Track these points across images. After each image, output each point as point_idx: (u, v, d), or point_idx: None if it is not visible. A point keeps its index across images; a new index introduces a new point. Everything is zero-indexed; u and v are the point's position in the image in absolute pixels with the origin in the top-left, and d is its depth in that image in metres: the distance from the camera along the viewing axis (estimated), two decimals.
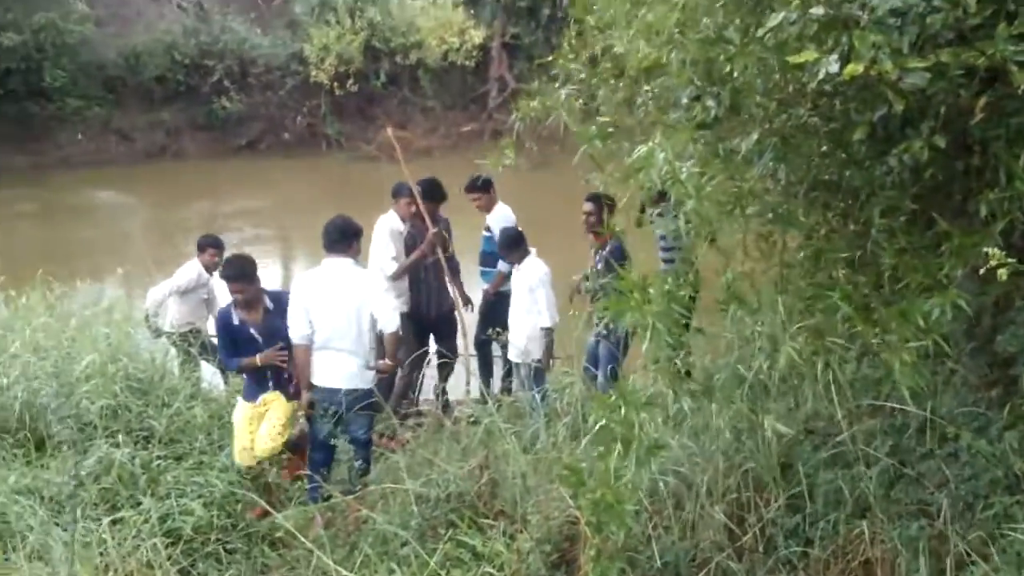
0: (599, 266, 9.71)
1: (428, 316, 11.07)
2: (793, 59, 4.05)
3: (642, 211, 10.01)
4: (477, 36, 33.50)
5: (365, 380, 8.61)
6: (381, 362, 8.73)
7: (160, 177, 29.18)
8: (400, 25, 33.06)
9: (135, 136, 31.99)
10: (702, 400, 6.43)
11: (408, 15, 33.19)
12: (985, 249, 4.06)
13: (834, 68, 3.92)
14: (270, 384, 8.82)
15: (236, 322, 8.77)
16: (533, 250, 10.20)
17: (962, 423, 5.70)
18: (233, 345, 8.87)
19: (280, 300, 8.81)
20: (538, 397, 9.17)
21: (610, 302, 5.08)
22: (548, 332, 9.96)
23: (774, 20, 4.17)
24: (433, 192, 11.00)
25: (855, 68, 3.76)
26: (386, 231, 10.79)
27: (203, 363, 10.80)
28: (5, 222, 23.72)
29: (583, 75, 6.38)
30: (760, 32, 4.38)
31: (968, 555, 5.37)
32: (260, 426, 8.68)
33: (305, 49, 32.45)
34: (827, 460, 6.41)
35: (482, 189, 11.22)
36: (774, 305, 5.91)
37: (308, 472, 8.53)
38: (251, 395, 8.88)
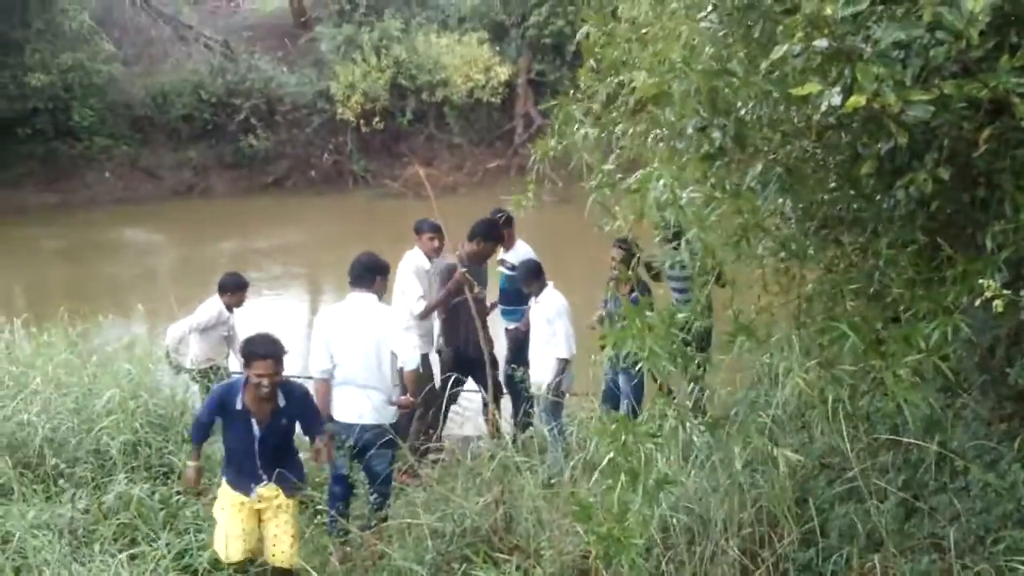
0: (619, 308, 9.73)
1: (468, 355, 10.90)
2: (796, 91, 4.05)
3: (649, 269, 10.06)
4: (503, 73, 33.57)
5: (386, 415, 8.65)
6: (402, 398, 8.76)
7: (187, 215, 29.33)
8: (426, 62, 33.15)
9: (162, 174, 32.17)
10: (716, 434, 6.44)
11: (434, 52, 33.25)
12: (981, 280, 4.05)
13: (837, 100, 3.93)
14: (263, 476, 7.64)
15: (238, 407, 7.53)
16: (551, 283, 10.20)
17: (973, 457, 5.67)
18: (223, 423, 7.76)
19: (292, 393, 7.74)
20: (556, 431, 9.18)
21: (612, 331, 5.08)
22: (563, 363, 9.94)
23: (777, 53, 4.18)
24: (489, 232, 10.93)
25: (858, 100, 3.76)
26: (411, 269, 10.77)
27: None
28: (31, 260, 23.91)
29: (595, 107, 6.41)
30: (764, 65, 4.39)
31: None
32: (264, 527, 7.71)
33: (331, 87, 32.60)
34: (842, 494, 6.38)
35: (505, 225, 11.18)
36: (791, 339, 5.93)
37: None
38: (240, 485, 7.66)
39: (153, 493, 8.27)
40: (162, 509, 8.19)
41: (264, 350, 7.44)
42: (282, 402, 7.59)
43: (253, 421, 7.51)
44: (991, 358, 5.62)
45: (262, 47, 35.48)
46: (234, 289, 11.22)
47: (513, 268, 11.04)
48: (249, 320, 11.50)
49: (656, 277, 10.58)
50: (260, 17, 39.41)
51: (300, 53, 35.84)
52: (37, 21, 30.48)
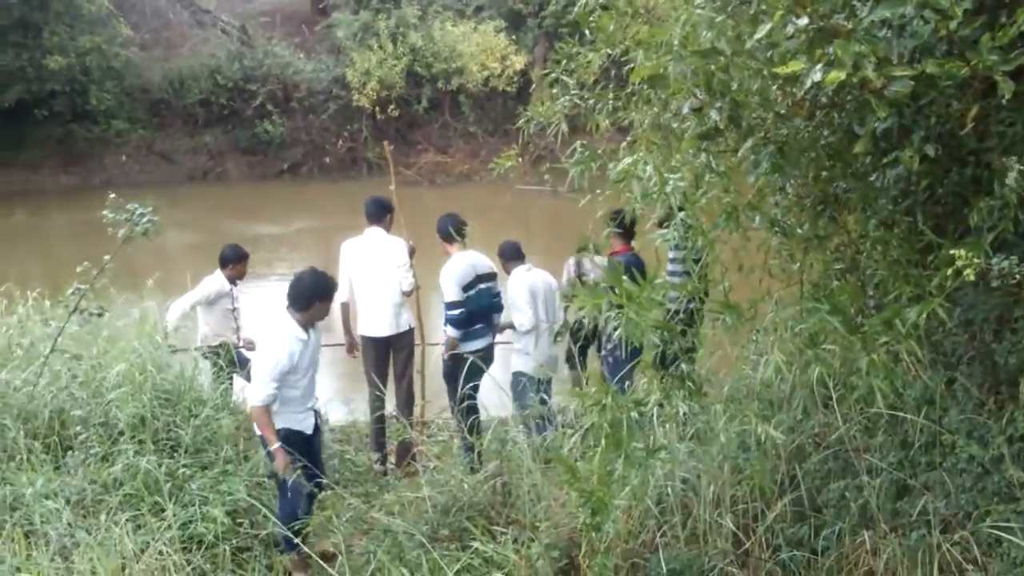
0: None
1: None
2: (780, 69, 4.11)
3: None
4: (519, 62, 33.68)
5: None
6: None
7: (202, 199, 29.46)
8: (442, 51, 33.26)
9: (178, 159, 32.45)
10: (708, 409, 6.55)
11: (450, 40, 33.35)
12: (952, 251, 4.09)
13: (818, 76, 3.99)
14: None
15: None
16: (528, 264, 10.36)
17: (966, 433, 5.71)
18: None
19: None
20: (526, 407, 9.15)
21: (581, 294, 5.04)
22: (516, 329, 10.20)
23: (762, 31, 4.25)
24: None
25: (836, 76, 3.81)
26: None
27: (235, 376, 10.81)
28: (47, 240, 24.06)
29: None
30: (749, 44, 4.45)
31: (966, 564, 5.42)
32: None
33: (347, 74, 32.80)
34: (836, 471, 6.44)
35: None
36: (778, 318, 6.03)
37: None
38: None
39: (160, 465, 8.35)
40: (168, 481, 8.27)
41: None
42: None
43: None
44: (980, 336, 5.67)
45: (279, 33, 35.70)
46: (235, 261, 11.18)
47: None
48: (257, 303, 11.56)
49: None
50: (277, 3, 39.54)
51: (317, 39, 36.00)
52: (56, 3, 30.63)
